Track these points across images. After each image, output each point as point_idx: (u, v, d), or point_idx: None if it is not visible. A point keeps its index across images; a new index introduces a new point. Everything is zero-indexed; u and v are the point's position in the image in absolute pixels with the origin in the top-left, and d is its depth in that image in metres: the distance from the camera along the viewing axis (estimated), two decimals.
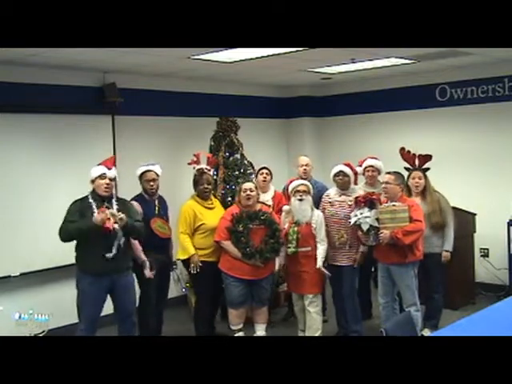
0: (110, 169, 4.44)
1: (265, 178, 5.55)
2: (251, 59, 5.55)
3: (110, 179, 4.41)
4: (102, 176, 4.38)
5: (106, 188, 4.38)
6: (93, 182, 4.42)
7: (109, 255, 4.30)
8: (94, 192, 4.42)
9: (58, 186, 5.54)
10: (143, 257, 4.80)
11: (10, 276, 5.27)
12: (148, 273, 4.81)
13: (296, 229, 4.96)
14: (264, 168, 5.65)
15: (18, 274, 5.31)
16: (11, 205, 5.25)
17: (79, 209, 4.33)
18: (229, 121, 6.30)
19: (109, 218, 4.22)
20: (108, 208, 4.32)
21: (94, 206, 4.32)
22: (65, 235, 4.31)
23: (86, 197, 4.41)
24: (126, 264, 4.50)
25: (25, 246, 5.33)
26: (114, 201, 4.46)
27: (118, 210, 4.34)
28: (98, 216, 4.21)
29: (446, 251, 5.11)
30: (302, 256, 4.98)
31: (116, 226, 4.26)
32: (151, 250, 4.85)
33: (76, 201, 4.41)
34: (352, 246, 5.00)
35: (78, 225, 4.26)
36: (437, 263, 5.08)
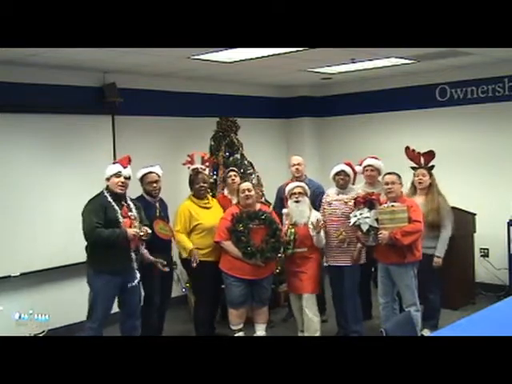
0: (125, 167, 4.49)
1: (233, 179, 5.45)
2: (251, 59, 5.55)
3: (125, 177, 4.45)
4: (118, 174, 4.43)
5: (120, 186, 4.42)
6: (108, 179, 4.46)
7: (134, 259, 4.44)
8: (108, 190, 4.44)
9: (57, 186, 5.54)
10: (151, 258, 4.79)
11: (10, 276, 5.26)
12: (163, 268, 4.81)
13: (293, 230, 4.99)
14: (231, 170, 5.60)
15: (18, 273, 5.30)
16: (11, 205, 5.25)
17: (100, 207, 4.35)
18: (229, 121, 6.30)
19: (136, 234, 4.34)
20: (129, 209, 4.42)
21: (114, 206, 4.38)
22: (94, 239, 4.32)
23: (102, 194, 4.43)
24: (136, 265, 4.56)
25: (25, 246, 5.32)
26: (129, 201, 4.53)
27: (137, 211, 4.48)
28: (131, 231, 4.32)
29: (438, 257, 5.07)
30: (298, 256, 5.02)
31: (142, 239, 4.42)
32: (154, 251, 4.84)
33: (93, 199, 4.42)
34: (351, 244, 5.01)
35: (111, 235, 4.29)
36: (430, 265, 5.06)
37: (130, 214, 4.38)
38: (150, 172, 4.98)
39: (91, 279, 4.43)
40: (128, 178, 4.51)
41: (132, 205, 4.52)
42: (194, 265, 5.01)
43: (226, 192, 5.58)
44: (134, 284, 4.49)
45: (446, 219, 5.09)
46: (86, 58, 5.10)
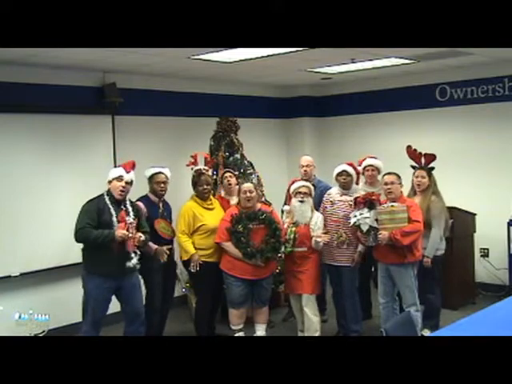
0: (128, 172, 4.47)
1: (229, 181, 5.42)
2: (251, 59, 5.54)
3: (127, 182, 4.43)
4: (120, 178, 4.40)
5: (121, 191, 4.39)
6: (109, 182, 4.44)
7: (129, 264, 4.33)
8: (109, 193, 4.43)
9: (58, 186, 5.53)
10: (154, 246, 4.78)
11: (10, 276, 5.26)
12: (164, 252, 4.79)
13: (294, 229, 4.99)
14: (227, 171, 5.58)
15: (18, 273, 5.30)
16: (11, 205, 5.25)
17: (96, 208, 4.33)
18: (229, 121, 6.30)
19: (129, 238, 4.26)
20: (126, 213, 4.36)
21: (111, 209, 4.34)
22: (82, 239, 4.32)
23: (101, 197, 4.41)
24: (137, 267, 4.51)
25: (25, 245, 5.32)
26: (128, 205, 4.48)
27: (135, 216, 4.41)
28: (118, 233, 4.23)
29: (427, 257, 4.98)
30: (298, 256, 5.01)
31: (135, 246, 4.34)
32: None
33: (91, 200, 4.41)
34: (350, 245, 5.01)
35: (98, 236, 4.23)
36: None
37: (127, 218, 4.31)
38: (160, 172, 4.99)
39: (84, 281, 4.42)
40: (130, 183, 4.47)
41: (131, 210, 4.45)
42: (193, 270, 5.01)
43: (222, 193, 5.57)
44: (130, 285, 4.45)
45: (436, 219, 5.02)
46: (86, 58, 5.10)
